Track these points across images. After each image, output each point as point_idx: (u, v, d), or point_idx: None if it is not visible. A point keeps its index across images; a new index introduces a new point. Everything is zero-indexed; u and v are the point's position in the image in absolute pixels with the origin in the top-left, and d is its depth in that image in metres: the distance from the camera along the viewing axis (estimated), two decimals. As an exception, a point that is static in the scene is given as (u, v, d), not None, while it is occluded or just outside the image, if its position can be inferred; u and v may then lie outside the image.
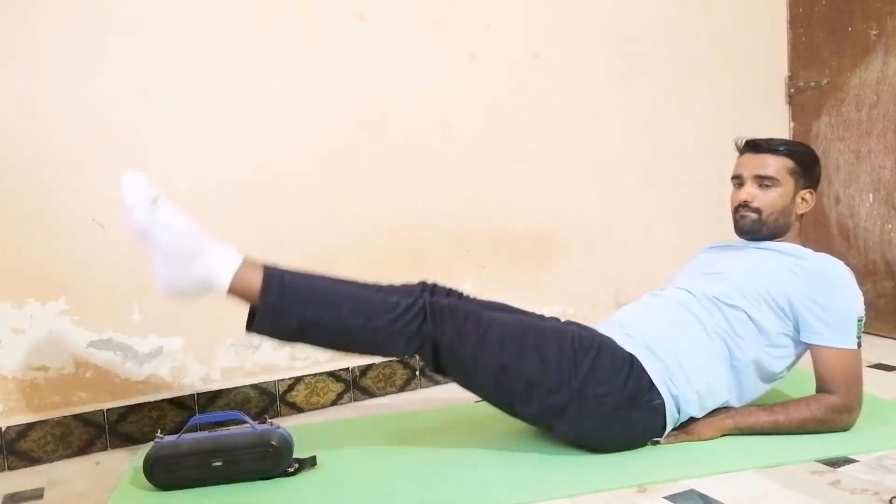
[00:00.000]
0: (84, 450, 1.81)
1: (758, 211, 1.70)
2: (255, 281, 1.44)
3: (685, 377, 1.57)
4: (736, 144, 1.78)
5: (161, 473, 1.49)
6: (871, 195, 2.53)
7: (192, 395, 1.91)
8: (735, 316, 1.62)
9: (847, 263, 2.54)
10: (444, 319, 1.50)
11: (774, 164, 1.69)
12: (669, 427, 1.59)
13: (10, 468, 1.74)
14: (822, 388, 1.61)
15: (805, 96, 2.75)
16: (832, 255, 1.69)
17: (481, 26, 2.27)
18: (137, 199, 1.40)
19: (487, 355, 1.51)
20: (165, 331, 1.90)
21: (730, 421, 1.60)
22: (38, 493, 1.59)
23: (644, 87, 2.55)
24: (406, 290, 1.65)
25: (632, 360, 1.57)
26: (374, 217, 2.14)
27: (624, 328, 1.66)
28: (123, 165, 1.83)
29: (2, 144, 1.73)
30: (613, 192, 2.51)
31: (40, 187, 1.77)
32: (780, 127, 2.80)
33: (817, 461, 1.47)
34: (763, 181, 1.69)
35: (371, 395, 2.14)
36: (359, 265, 2.12)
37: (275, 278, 1.46)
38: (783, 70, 2.81)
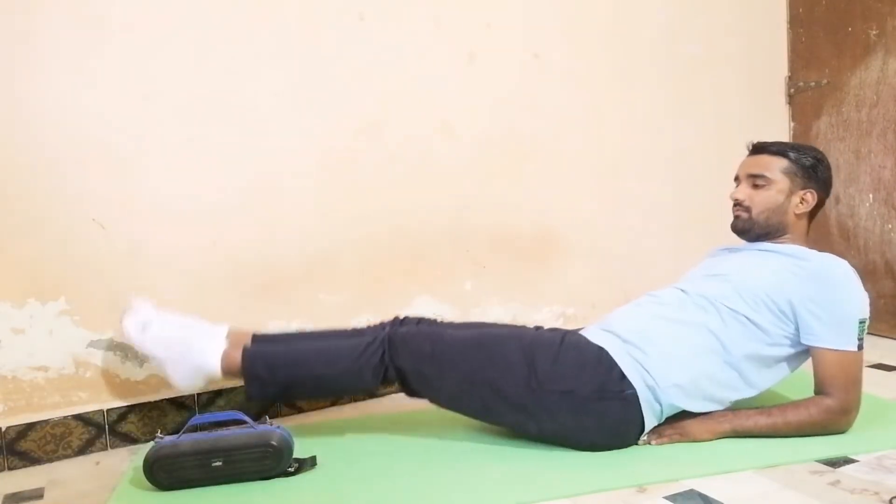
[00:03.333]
0: (84, 450, 1.82)
1: (748, 210, 1.72)
2: (238, 359, 1.66)
3: (666, 368, 1.57)
4: (746, 147, 1.81)
5: (161, 473, 1.49)
6: (871, 195, 2.53)
7: (192, 395, 1.91)
8: (731, 316, 1.62)
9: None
10: (402, 346, 1.63)
11: (767, 164, 1.72)
12: (651, 419, 1.59)
13: (10, 468, 1.74)
14: (819, 389, 1.60)
15: (805, 96, 2.75)
16: (833, 255, 1.68)
17: (481, 26, 2.27)
18: (131, 334, 1.70)
19: (450, 370, 1.60)
20: (165, 331, 1.90)
21: (727, 425, 1.60)
22: (38, 493, 1.59)
23: (644, 87, 2.55)
24: (375, 327, 1.76)
25: (600, 353, 1.59)
26: (374, 217, 2.14)
27: (607, 325, 1.69)
28: (123, 165, 1.84)
29: (2, 145, 1.73)
30: (613, 192, 2.52)
31: (40, 187, 1.77)
32: (780, 127, 2.81)
33: (817, 461, 1.47)
34: (756, 180, 1.72)
35: (371, 395, 2.14)
36: (359, 265, 2.13)
37: (251, 355, 1.67)
38: (783, 70, 2.81)
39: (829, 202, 2.66)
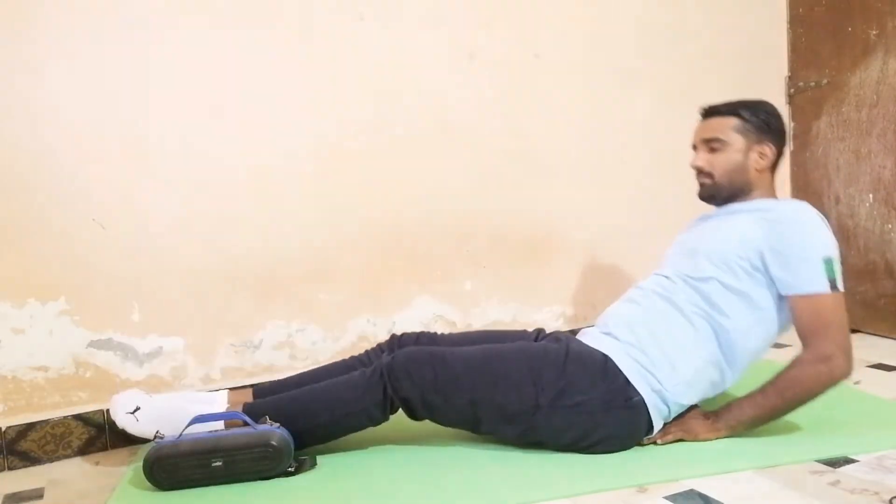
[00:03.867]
0: (84, 450, 1.82)
1: (710, 176, 1.71)
2: (241, 420, 1.59)
3: (671, 367, 1.57)
4: (699, 113, 1.80)
5: (161, 473, 1.49)
6: (871, 195, 2.52)
7: (192, 395, 1.91)
8: (710, 289, 1.60)
9: (847, 263, 2.53)
10: (404, 375, 1.56)
11: (718, 126, 1.70)
12: (659, 421, 1.58)
13: (10, 468, 1.74)
14: (801, 341, 1.55)
15: (805, 96, 2.75)
16: (797, 200, 1.66)
17: (481, 26, 2.27)
18: (126, 425, 1.61)
19: (455, 396, 1.56)
20: (165, 331, 1.91)
21: (732, 421, 1.58)
22: (38, 493, 1.59)
23: (644, 87, 2.55)
24: (373, 354, 1.76)
25: (605, 363, 1.57)
26: (374, 217, 2.14)
27: (605, 327, 1.68)
28: (123, 165, 1.85)
29: (2, 145, 1.73)
30: (613, 192, 2.51)
31: (40, 187, 1.77)
32: (780, 127, 2.81)
33: (817, 461, 1.47)
34: (710, 144, 1.70)
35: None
36: (359, 265, 2.13)
37: (251, 411, 1.60)
38: (783, 70, 2.81)
39: (830, 202, 2.67)
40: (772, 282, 1.59)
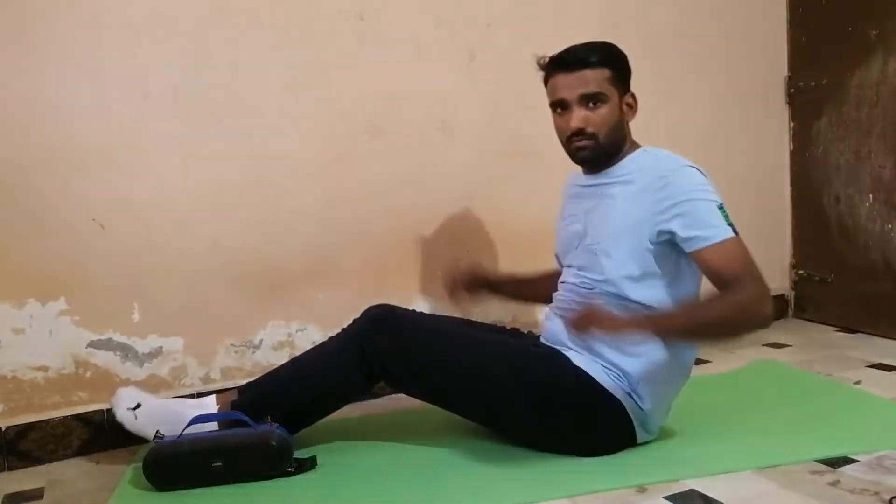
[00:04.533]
0: (84, 450, 1.81)
1: (594, 137, 1.54)
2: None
3: (621, 372, 1.53)
4: (539, 64, 1.58)
5: (161, 473, 1.49)
6: (871, 195, 2.52)
7: (192, 395, 1.91)
8: (623, 287, 1.51)
9: (847, 263, 2.53)
10: (380, 328, 1.57)
11: (594, 78, 1.51)
12: (639, 423, 1.56)
13: (10, 468, 1.74)
14: (724, 288, 1.43)
15: (805, 96, 2.75)
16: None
17: (481, 26, 2.27)
18: (125, 422, 1.60)
19: (430, 357, 1.56)
20: (165, 331, 1.91)
21: (643, 318, 1.48)
22: (38, 493, 1.59)
23: (644, 87, 2.53)
24: (346, 329, 1.69)
25: (577, 373, 1.54)
26: (373, 217, 2.14)
27: (561, 339, 1.62)
28: (123, 165, 1.85)
29: (2, 145, 1.73)
30: (613, 192, 2.51)
31: (40, 187, 1.77)
32: (780, 127, 2.80)
33: (817, 461, 1.47)
34: (591, 100, 1.52)
35: (371, 394, 2.14)
36: (359, 265, 2.13)
37: (236, 407, 1.60)
38: (783, 70, 2.81)
39: (830, 202, 2.67)
40: (672, 247, 1.50)
